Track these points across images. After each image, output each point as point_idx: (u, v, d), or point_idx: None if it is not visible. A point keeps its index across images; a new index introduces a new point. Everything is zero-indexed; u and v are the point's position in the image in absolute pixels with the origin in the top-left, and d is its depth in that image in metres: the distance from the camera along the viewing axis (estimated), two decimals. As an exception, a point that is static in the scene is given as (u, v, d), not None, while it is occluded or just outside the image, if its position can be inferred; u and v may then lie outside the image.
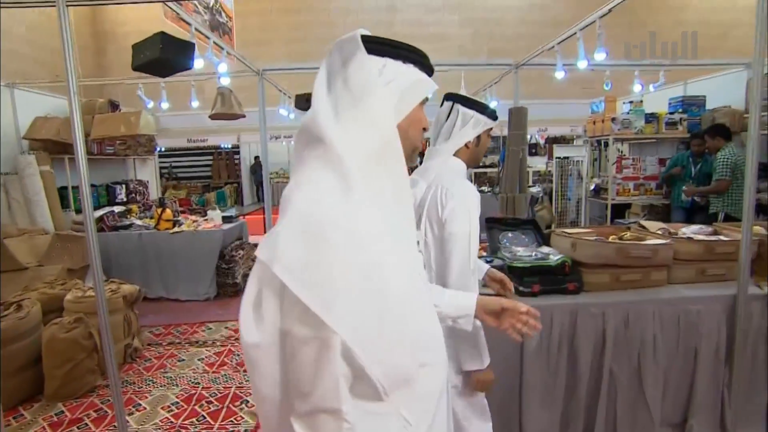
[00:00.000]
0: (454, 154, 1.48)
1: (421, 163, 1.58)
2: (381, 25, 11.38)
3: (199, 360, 3.18)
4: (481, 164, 11.45)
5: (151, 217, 4.81)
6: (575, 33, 3.11)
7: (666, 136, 4.83)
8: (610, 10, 2.73)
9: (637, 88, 4.93)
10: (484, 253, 2.67)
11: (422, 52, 0.80)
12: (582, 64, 3.26)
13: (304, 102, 4.47)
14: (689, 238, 2.19)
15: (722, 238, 2.23)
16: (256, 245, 5.88)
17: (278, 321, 0.64)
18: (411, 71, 0.77)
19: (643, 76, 4.93)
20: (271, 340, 0.65)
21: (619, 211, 5.23)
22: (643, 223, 2.48)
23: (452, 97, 1.48)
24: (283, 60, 10.03)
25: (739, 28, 10.44)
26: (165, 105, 5.39)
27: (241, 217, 5.57)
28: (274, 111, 6.13)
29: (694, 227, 2.42)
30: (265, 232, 5.08)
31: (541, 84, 7.36)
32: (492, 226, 2.59)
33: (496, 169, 10.32)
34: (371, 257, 0.65)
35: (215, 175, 12.43)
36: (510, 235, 2.54)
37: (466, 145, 1.46)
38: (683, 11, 11.19)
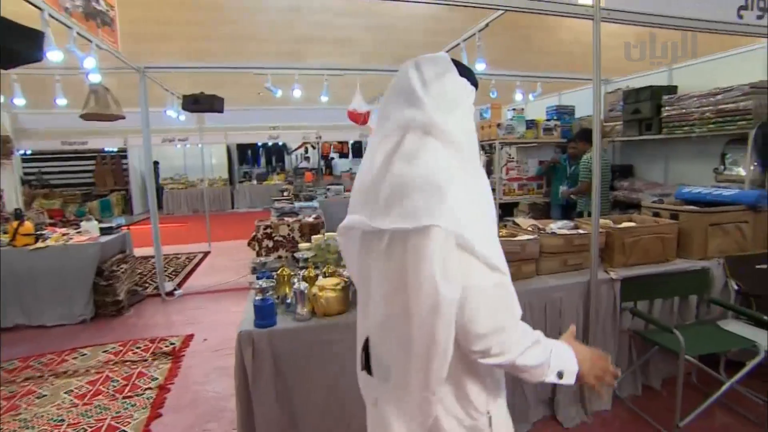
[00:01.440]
0: None
1: None
2: (284, 26, 11.13)
3: (66, 393, 2.78)
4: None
5: (5, 232, 4.11)
6: (459, 44, 3.31)
7: (544, 140, 5.37)
8: (487, 25, 2.95)
9: (518, 96, 5.41)
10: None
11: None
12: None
13: (191, 103, 4.19)
14: (553, 233, 2.44)
15: (580, 231, 2.52)
16: (144, 258, 5.33)
17: (462, 278, 0.80)
18: (472, 90, 0.98)
19: (524, 86, 5.44)
20: (458, 296, 0.80)
21: (509, 209, 5.70)
22: (517, 220, 2.71)
23: None
24: (182, 58, 9.30)
25: (605, 49, 12.03)
26: (20, 101, 4.65)
27: (126, 228, 5.02)
28: (163, 112, 5.65)
29: (560, 223, 2.70)
30: (154, 243, 4.69)
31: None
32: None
33: None
34: (493, 215, 0.91)
35: (99, 182, 11.09)
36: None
37: None
38: (561, 31, 12.61)
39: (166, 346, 3.35)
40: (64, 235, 4.26)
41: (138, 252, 6.16)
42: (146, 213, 10.68)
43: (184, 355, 3.20)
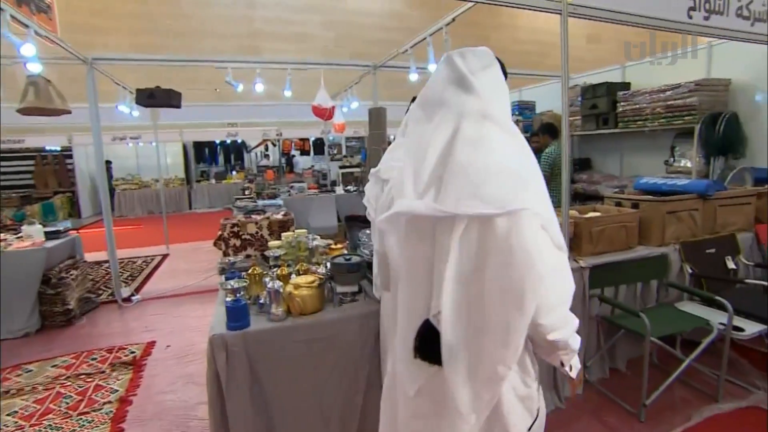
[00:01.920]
0: None
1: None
2: (241, 21, 10.77)
3: (9, 415, 2.54)
4: (347, 164, 11.70)
5: (-67, 240, 3.72)
6: (425, 38, 3.30)
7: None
8: (454, 19, 2.97)
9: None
10: (345, 251, 2.66)
11: None
12: (432, 67, 3.49)
13: (146, 98, 3.95)
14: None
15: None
16: (97, 263, 4.99)
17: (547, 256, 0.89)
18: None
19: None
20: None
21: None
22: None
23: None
24: (127, 52, 8.78)
25: (557, 48, 12.53)
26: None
27: (74, 232, 4.67)
28: (114, 107, 5.31)
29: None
30: (108, 247, 4.38)
31: (398, 87, 7.76)
32: (352, 223, 2.60)
33: (360, 169, 10.61)
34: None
35: (39, 184, 10.29)
36: (368, 231, 2.57)
37: None
38: (517, 31, 12.99)
39: (126, 356, 3.15)
40: (1, 241, 3.90)
41: (90, 257, 5.78)
42: (96, 216, 10.05)
43: (145, 364, 3.01)
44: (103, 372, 2.94)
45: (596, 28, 13.19)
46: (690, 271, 2.65)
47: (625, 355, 2.64)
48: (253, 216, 2.65)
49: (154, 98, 3.82)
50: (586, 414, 2.29)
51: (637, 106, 4.07)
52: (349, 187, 7.94)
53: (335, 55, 10.88)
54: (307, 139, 13.17)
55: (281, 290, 1.76)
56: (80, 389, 2.74)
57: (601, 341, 2.52)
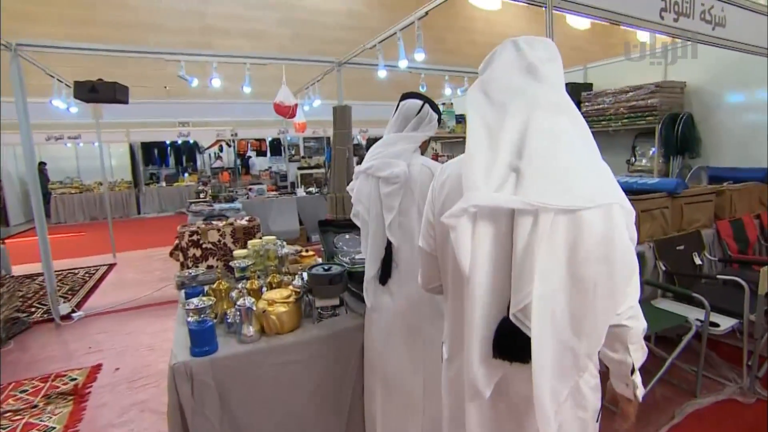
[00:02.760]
0: None
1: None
2: (191, 15, 10.20)
3: None
4: (306, 165, 11.40)
5: None
6: (395, 33, 3.17)
7: (462, 135, 5.47)
8: (426, 13, 2.85)
9: (447, 91, 5.46)
10: (319, 259, 2.47)
11: None
12: (403, 63, 3.36)
13: (87, 92, 3.53)
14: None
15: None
16: (28, 277, 4.41)
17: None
18: None
19: (452, 81, 5.50)
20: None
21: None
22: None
23: (422, 98, 1.61)
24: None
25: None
26: None
27: None
28: (48, 102, 4.77)
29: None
30: (42, 258, 3.88)
31: (361, 86, 7.61)
32: (326, 229, 2.41)
33: (322, 170, 10.39)
34: None
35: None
36: (346, 237, 2.40)
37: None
38: (473, 33, 13.22)
39: (65, 384, 2.74)
40: None
41: (20, 270, 5.19)
42: (28, 223, 9.13)
43: (89, 393, 2.65)
44: (35, 407, 2.51)
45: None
46: (663, 268, 2.68)
47: (604, 355, 2.63)
48: (214, 222, 2.40)
49: (97, 92, 3.41)
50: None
51: (601, 106, 4.15)
52: (311, 189, 7.69)
53: (292, 53, 10.55)
54: (264, 140, 12.70)
55: (254, 307, 1.56)
56: (5, 430, 2.33)
57: (584, 343, 2.48)
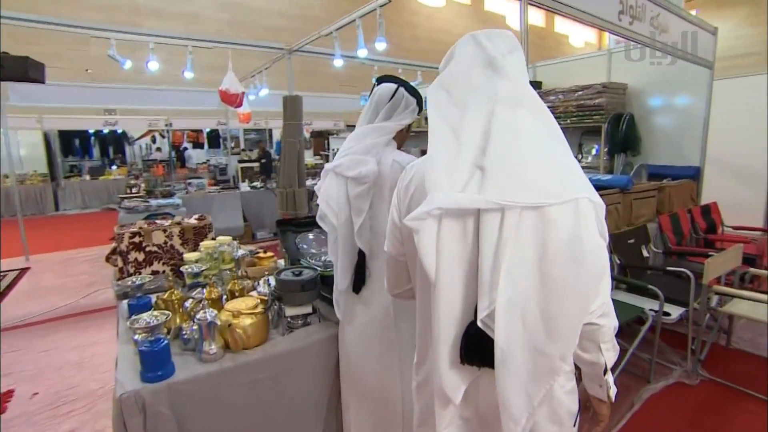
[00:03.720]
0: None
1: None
2: (116, -8, 9.25)
3: None
4: (247, 158, 10.87)
5: None
6: (355, 20, 3.01)
7: (424, 129, 5.45)
8: (389, 0, 2.72)
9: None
10: (280, 261, 2.28)
11: None
12: (362, 53, 3.22)
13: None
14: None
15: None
16: None
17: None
18: None
19: (406, 74, 5.42)
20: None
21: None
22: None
23: (397, 81, 1.46)
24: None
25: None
26: None
27: None
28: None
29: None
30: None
31: (306, 77, 7.32)
32: (285, 229, 2.21)
33: (258, 164, 10.00)
34: None
35: None
36: (309, 236, 2.22)
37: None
38: (416, 29, 13.31)
39: (-32, 416, 2.32)
40: None
41: None
42: None
43: None
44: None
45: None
46: (618, 261, 2.79)
47: (565, 347, 2.69)
48: (158, 221, 2.12)
49: (1, 68, 2.88)
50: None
51: (551, 105, 4.28)
52: (255, 183, 7.30)
53: (231, 39, 9.98)
54: (201, 131, 11.93)
55: (217, 321, 1.35)
56: None
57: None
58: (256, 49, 4.08)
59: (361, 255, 1.42)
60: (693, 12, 6.55)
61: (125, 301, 1.72)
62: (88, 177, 10.25)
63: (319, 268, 1.67)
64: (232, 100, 4.41)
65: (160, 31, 3.62)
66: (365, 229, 1.40)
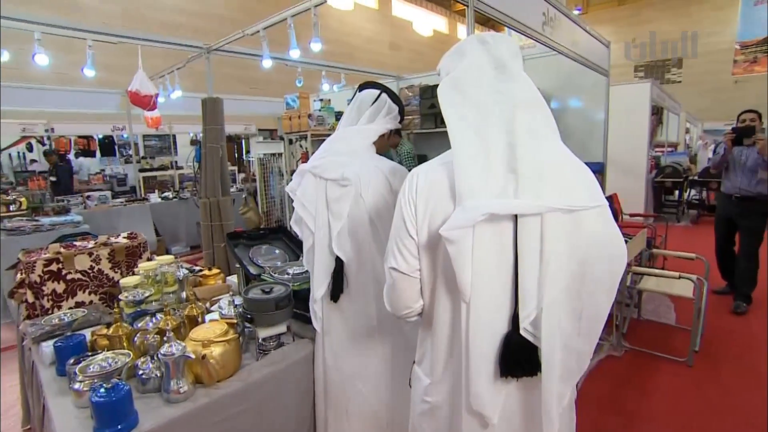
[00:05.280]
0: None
1: None
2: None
3: None
4: (149, 167, 9.90)
5: None
6: (287, 20, 2.87)
7: (432, 130, 5.34)
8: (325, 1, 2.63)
9: (325, 87, 5.27)
10: (230, 278, 2.10)
11: None
12: (294, 53, 3.08)
13: None
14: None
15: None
16: None
17: None
18: None
19: (329, 76, 5.32)
20: None
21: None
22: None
23: (379, 87, 1.44)
24: None
25: (363, 51, 13.42)
26: None
27: None
28: None
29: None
30: None
31: (232, 79, 6.87)
32: (236, 242, 2.04)
33: (167, 172, 9.22)
34: None
35: None
36: (263, 249, 2.07)
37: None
38: (326, 30, 13.19)
39: None
40: None
41: None
42: None
43: None
44: None
45: (397, 37, 14.56)
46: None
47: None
48: (77, 243, 1.80)
49: None
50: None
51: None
52: (167, 194, 6.64)
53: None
54: (92, 137, 10.53)
55: (190, 354, 1.18)
56: None
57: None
58: (170, 47, 3.69)
59: (339, 261, 1.34)
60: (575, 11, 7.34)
61: (47, 343, 1.43)
62: (-59, 194, 8.46)
63: (289, 284, 1.54)
64: (145, 102, 3.94)
65: (50, 20, 3.08)
66: (344, 234, 1.33)
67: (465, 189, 0.82)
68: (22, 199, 5.16)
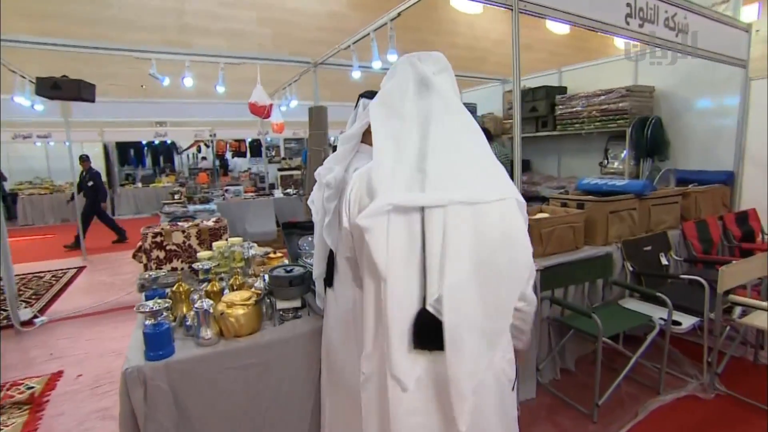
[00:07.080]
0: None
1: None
2: (168, 13, 9.99)
3: None
4: (287, 167, 11.29)
5: None
6: (369, 34, 3.16)
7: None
8: (399, 14, 2.84)
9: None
10: (285, 261, 2.43)
11: None
12: (376, 64, 3.35)
13: (49, 89, 3.39)
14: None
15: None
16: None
17: None
18: None
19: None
20: None
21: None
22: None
23: (373, 94, 1.53)
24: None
25: (493, 54, 13.14)
26: None
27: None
28: (9, 98, 4.59)
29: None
30: (1, 261, 3.73)
31: (338, 87, 7.55)
32: (290, 231, 2.36)
33: (300, 171, 10.32)
34: None
35: None
36: (309, 239, 2.36)
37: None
38: (457, 36, 13.33)
39: (21, 393, 2.61)
40: None
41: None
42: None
43: (48, 402, 2.54)
44: (-14, 417, 2.38)
45: (528, 37, 13.91)
46: (631, 268, 2.73)
47: (573, 354, 2.66)
48: (179, 223, 2.34)
49: (60, 89, 3.29)
50: (540, 419, 2.25)
51: (574, 109, 4.22)
52: (288, 190, 7.61)
53: (272, 53, 10.46)
54: (243, 141, 12.54)
55: (211, 310, 1.51)
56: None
57: (552, 343, 2.50)
58: (283, 64, 4.33)
59: (331, 250, 1.52)
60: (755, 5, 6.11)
61: (143, 293, 1.93)
62: (140, 185, 11.08)
63: (309, 266, 1.79)
64: (261, 111, 4.71)
65: (197, 50, 3.93)
66: (333, 226, 1.49)
67: (377, 183, 0.98)
68: (184, 190, 6.53)
